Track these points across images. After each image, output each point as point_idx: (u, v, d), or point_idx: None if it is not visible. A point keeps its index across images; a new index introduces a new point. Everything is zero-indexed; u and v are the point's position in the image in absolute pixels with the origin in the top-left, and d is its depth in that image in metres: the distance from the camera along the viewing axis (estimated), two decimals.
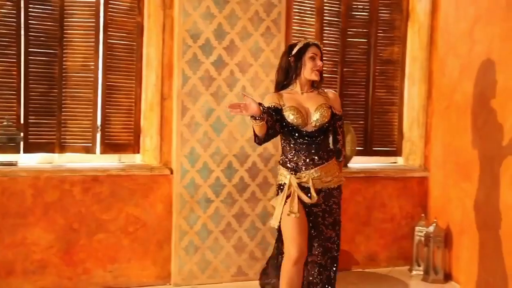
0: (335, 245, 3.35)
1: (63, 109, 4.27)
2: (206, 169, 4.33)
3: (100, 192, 4.18)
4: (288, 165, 3.26)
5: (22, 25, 4.14)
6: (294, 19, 4.77)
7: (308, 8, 4.87)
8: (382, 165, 5.19)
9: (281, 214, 3.20)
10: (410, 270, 4.79)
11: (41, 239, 4.04)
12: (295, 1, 4.75)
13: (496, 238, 3.89)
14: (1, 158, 4.08)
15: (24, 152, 4.20)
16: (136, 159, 4.57)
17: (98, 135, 4.37)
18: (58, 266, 4.09)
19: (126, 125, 4.46)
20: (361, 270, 4.82)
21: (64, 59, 4.26)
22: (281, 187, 3.28)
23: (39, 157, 4.33)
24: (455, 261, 4.52)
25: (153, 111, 4.38)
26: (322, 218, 3.28)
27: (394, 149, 5.23)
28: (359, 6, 5.05)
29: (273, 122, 3.15)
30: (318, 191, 3.23)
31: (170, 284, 4.34)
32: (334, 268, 3.37)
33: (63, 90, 4.26)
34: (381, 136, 5.18)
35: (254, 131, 3.16)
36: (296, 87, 3.33)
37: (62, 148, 4.30)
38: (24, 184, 4.00)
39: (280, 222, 3.22)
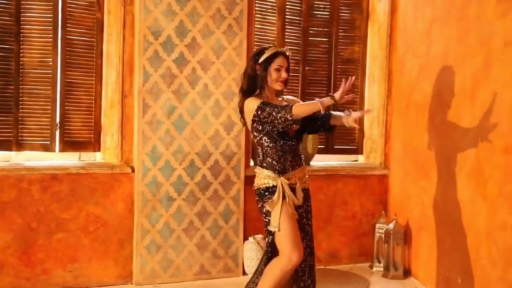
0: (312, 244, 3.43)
1: (20, 106, 4.17)
2: (168, 167, 4.30)
3: (60, 191, 4.10)
4: (275, 167, 3.23)
5: None
6: (256, 17, 4.78)
7: (270, 7, 4.89)
8: (344, 163, 5.25)
9: (279, 217, 3.15)
10: (371, 267, 4.86)
11: None
12: (257, 0, 4.76)
13: (453, 234, 3.98)
14: None
15: None
16: (96, 157, 4.50)
17: (57, 133, 4.27)
18: (15, 267, 3.99)
19: (86, 123, 4.38)
20: (323, 267, 4.86)
21: (21, 55, 4.16)
22: (270, 190, 3.21)
23: None
24: (414, 257, 4.61)
25: (113, 108, 4.33)
26: (306, 219, 3.34)
27: (355, 147, 5.30)
28: (320, 5, 5.09)
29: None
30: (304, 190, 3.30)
31: (131, 284, 4.28)
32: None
33: (20, 86, 4.16)
34: (343, 135, 5.24)
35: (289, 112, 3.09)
36: (266, 92, 3.31)
37: (19, 146, 4.19)
38: None
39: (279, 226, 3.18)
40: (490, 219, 3.60)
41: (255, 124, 3.22)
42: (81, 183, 4.16)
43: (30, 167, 4.07)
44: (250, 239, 4.50)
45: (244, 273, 4.53)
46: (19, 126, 4.17)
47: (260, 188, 3.26)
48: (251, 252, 4.47)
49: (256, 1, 4.75)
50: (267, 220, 3.24)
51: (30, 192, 4.03)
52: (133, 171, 4.26)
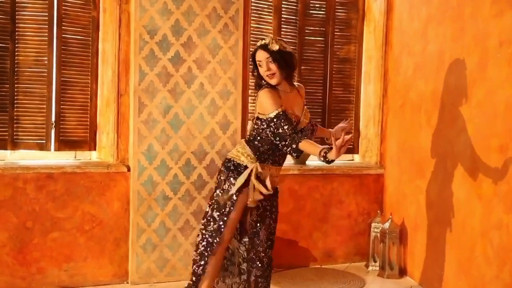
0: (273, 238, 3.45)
1: (15, 105, 4.15)
2: (164, 166, 4.29)
3: (55, 190, 4.09)
4: (258, 152, 3.25)
5: None
6: (252, 16, 4.78)
7: (266, 6, 4.89)
8: (339, 162, 5.24)
9: (236, 194, 3.20)
10: (367, 266, 4.87)
11: None
12: None
13: (449, 234, 3.99)
14: None
15: None
16: (92, 156, 4.49)
17: (53, 132, 4.26)
18: (11, 266, 3.98)
19: (81, 122, 4.37)
20: (318, 266, 4.87)
21: (16, 53, 4.14)
22: (239, 168, 3.23)
23: None
24: (409, 257, 4.61)
25: (109, 107, 4.32)
26: (270, 212, 3.36)
27: (351, 146, 5.30)
28: (316, 5, 5.10)
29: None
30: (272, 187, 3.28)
31: (127, 283, 4.28)
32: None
33: (16, 85, 4.15)
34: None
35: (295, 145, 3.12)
36: (279, 86, 3.26)
37: (14, 144, 4.18)
38: None
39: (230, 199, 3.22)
40: (485, 218, 3.61)
41: (263, 121, 3.20)
42: (77, 182, 4.15)
43: (25, 166, 4.06)
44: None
45: None
46: (14, 125, 4.16)
47: (233, 160, 3.26)
48: None
49: (252, 0, 4.74)
50: (219, 193, 3.25)
51: (25, 191, 4.01)
52: (128, 170, 4.26)
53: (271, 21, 4.91)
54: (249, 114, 4.79)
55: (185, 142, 4.34)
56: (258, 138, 3.27)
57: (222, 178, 3.27)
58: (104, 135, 4.37)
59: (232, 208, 3.21)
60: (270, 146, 3.25)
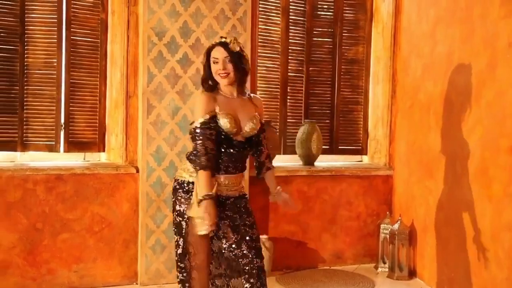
0: (259, 244, 3.09)
1: (25, 107, 4.18)
2: (172, 167, 4.29)
3: (65, 191, 4.10)
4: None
5: None
6: (260, 18, 4.79)
7: (274, 7, 4.89)
8: (348, 163, 5.24)
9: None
10: (376, 267, 4.85)
11: (3, 239, 3.95)
12: (261, 0, 4.77)
13: (459, 235, 3.97)
14: None
15: None
16: (101, 157, 4.51)
17: (62, 133, 4.29)
18: (21, 267, 4.00)
19: (90, 123, 4.39)
20: (327, 267, 4.86)
21: (26, 55, 4.17)
22: (183, 185, 3.01)
23: (1, 155, 4.22)
24: (419, 258, 4.59)
25: (118, 109, 4.33)
26: (240, 219, 3.03)
27: (360, 147, 5.30)
28: (324, 6, 5.10)
29: (215, 137, 2.93)
30: (225, 197, 2.99)
31: (137, 284, 4.29)
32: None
33: (25, 87, 4.17)
34: (347, 135, 5.24)
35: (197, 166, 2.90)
36: (224, 89, 3.03)
37: (24, 146, 4.21)
38: None
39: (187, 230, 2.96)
40: (496, 220, 3.58)
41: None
42: (86, 183, 4.16)
43: (35, 168, 4.08)
44: None
45: None
46: (24, 126, 4.18)
47: (177, 179, 3.05)
48: None
49: (260, 2, 4.75)
50: (177, 221, 3.01)
51: (35, 192, 4.03)
52: (137, 171, 4.27)
53: (279, 22, 4.91)
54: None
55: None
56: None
57: (172, 201, 3.07)
58: (113, 136, 4.38)
59: (185, 228, 2.97)
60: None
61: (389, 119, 5.06)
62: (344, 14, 5.14)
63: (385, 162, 5.10)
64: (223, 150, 2.96)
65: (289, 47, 4.97)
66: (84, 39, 4.35)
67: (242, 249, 2.98)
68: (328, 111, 5.16)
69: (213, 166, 2.90)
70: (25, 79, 4.17)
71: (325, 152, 5.10)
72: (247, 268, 2.97)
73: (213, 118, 2.93)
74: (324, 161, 5.11)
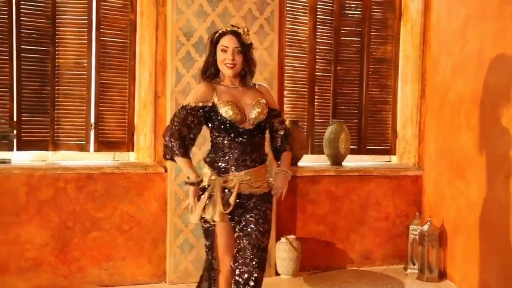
0: (267, 255, 2.98)
1: (56, 107, 4.25)
2: (200, 167, 4.29)
3: (95, 190, 4.15)
4: (216, 164, 2.88)
5: (14, 22, 4.12)
6: (287, 17, 4.78)
7: (301, 7, 4.88)
8: (376, 163, 5.20)
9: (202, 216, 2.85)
10: (405, 269, 4.79)
11: (36, 237, 4.01)
12: (288, 0, 4.75)
13: (491, 236, 3.90)
14: None
15: (18, 149, 4.18)
16: (130, 157, 4.55)
17: (92, 133, 4.35)
18: (52, 264, 4.06)
19: (119, 123, 4.44)
20: (356, 268, 4.82)
21: (57, 56, 4.24)
22: (204, 189, 2.88)
23: (33, 155, 4.29)
24: (449, 260, 4.52)
25: (146, 108, 4.37)
26: (255, 225, 2.89)
27: (388, 147, 5.25)
28: (352, 5, 5.07)
29: (194, 126, 2.86)
30: (248, 196, 2.89)
31: (165, 282, 4.31)
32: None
33: (56, 87, 4.24)
34: (375, 135, 5.20)
35: (170, 153, 2.88)
36: (226, 80, 2.94)
37: (55, 146, 4.27)
38: (17, 182, 3.97)
39: (206, 226, 2.91)
40: None
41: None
42: (115, 182, 4.21)
43: (66, 167, 4.14)
44: (283, 239, 4.49)
45: (276, 273, 4.52)
46: (55, 126, 4.25)
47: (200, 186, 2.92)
48: (283, 252, 4.46)
49: (288, 1, 4.75)
50: (205, 227, 2.93)
51: (66, 191, 4.09)
52: (166, 171, 4.29)
53: (306, 21, 4.90)
54: (285, 115, 4.79)
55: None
56: (213, 141, 2.95)
57: None
58: (142, 136, 4.42)
59: (211, 235, 2.91)
60: (225, 142, 2.87)
61: (418, 119, 5.01)
62: (372, 13, 5.11)
63: (414, 162, 5.04)
64: (231, 140, 2.84)
65: (317, 47, 4.95)
66: (114, 39, 4.40)
67: (246, 255, 2.86)
68: (356, 111, 5.13)
69: (186, 152, 2.85)
70: (56, 79, 4.24)
71: (353, 152, 5.06)
72: (245, 276, 2.84)
73: (204, 108, 2.83)
74: (352, 161, 5.07)
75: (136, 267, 4.27)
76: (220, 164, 2.87)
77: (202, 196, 2.86)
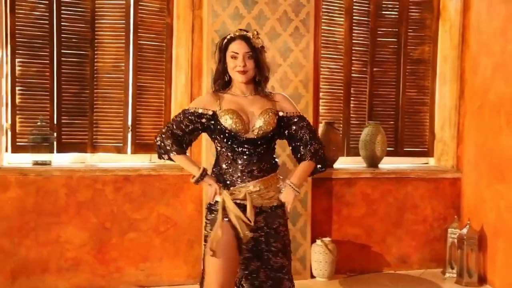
0: (288, 276, 2.74)
1: (94, 110, 4.33)
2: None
3: (132, 192, 4.22)
4: (222, 178, 2.69)
5: (55, 27, 4.22)
6: (323, 19, 4.75)
7: (337, 8, 4.85)
8: (413, 165, 5.12)
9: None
10: (444, 273, 4.71)
11: (75, 238, 4.11)
12: (324, 1, 4.73)
13: None
14: (36, 158, 4.15)
15: (58, 152, 4.28)
16: None
17: (129, 135, 4.41)
18: (91, 264, 4.14)
19: (156, 125, 4.49)
20: (392, 272, 4.76)
21: (96, 60, 4.32)
22: (211, 207, 2.70)
23: (72, 156, 4.39)
24: (490, 264, 4.42)
25: None
26: (266, 244, 2.68)
27: (426, 149, 5.16)
28: (388, 5, 5.01)
29: (189, 131, 2.72)
30: (258, 212, 2.66)
31: None
32: None
33: (95, 90, 4.33)
34: (412, 137, 5.13)
35: (165, 152, 2.73)
36: (236, 88, 2.76)
37: (94, 148, 4.36)
38: (58, 184, 4.07)
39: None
40: None
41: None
42: (152, 184, 4.26)
43: (104, 169, 4.22)
44: (318, 241, 4.47)
45: (312, 276, 4.50)
46: (94, 128, 4.34)
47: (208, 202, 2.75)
48: (318, 255, 4.43)
49: (323, 3, 4.72)
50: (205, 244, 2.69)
51: (104, 192, 4.17)
52: None
53: (342, 23, 4.86)
54: (321, 117, 4.77)
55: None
56: (217, 153, 2.76)
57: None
58: None
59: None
60: (228, 152, 2.69)
61: (456, 120, 4.91)
62: (409, 13, 5.04)
63: (452, 165, 4.94)
64: (233, 151, 2.66)
65: (353, 48, 4.91)
66: (150, 43, 4.46)
67: (260, 278, 2.68)
68: (392, 112, 5.06)
69: (182, 149, 2.72)
70: (95, 83, 4.32)
71: (389, 154, 5.00)
72: None
73: (203, 115, 2.69)
74: (388, 163, 5.01)
75: (172, 268, 4.31)
76: (225, 176, 2.69)
77: (215, 219, 2.63)
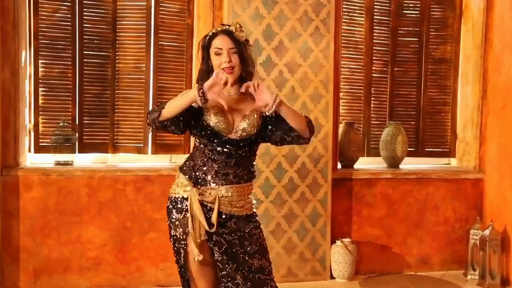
0: (271, 276, 2.63)
1: (116, 110, 4.37)
2: (256, 169, 4.32)
3: (152, 192, 4.24)
4: (194, 174, 2.55)
5: (77, 29, 4.27)
6: (344, 18, 4.73)
7: (358, 8, 4.82)
8: (435, 166, 5.07)
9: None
10: (465, 275, 4.65)
11: (96, 237, 4.15)
12: (345, 1, 4.71)
13: None
14: (58, 158, 4.20)
15: (79, 152, 4.32)
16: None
17: (150, 136, 4.44)
18: (112, 264, 4.18)
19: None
20: (413, 273, 4.72)
21: (117, 61, 4.35)
22: (177, 202, 2.58)
23: (93, 157, 4.43)
24: None
25: None
26: (240, 246, 2.55)
27: (447, 150, 5.11)
28: (410, 4, 4.97)
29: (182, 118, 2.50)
30: (228, 216, 2.55)
31: None
32: None
33: (116, 91, 4.36)
34: (433, 137, 5.08)
35: (158, 110, 2.49)
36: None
37: (115, 148, 4.40)
38: (79, 184, 4.11)
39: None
40: None
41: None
42: (172, 184, 4.26)
43: (124, 169, 4.25)
44: (338, 242, 4.45)
45: (331, 276, 4.49)
46: (115, 129, 4.37)
47: (170, 197, 2.62)
48: (338, 256, 4.42)
49: (344, 2, 4.69)
50: (176, 247, 2.62)
51: (125, 192, 4.20)
52: None
53: (362, 22, 4.84)
54: (341, 117, 4.75)
55: (276, 146, 4.35)
56: (194, 149, 2.63)
57: (168, 224, 2.66)
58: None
59: (184, 256, 2.59)
60: (206, 150, 2.55)
61: (479, 120, 4.85)
62: (431, 12, 4.99)
63: (474, 165, 4.89)
64: (212, 149, 2.52)
65: (373, 48, 4.88)
66: (171, 44, 4.48)
67: (237, 280, 2.54)
68: (413, 113, 5.02)
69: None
70: (116, 83, 4.36)
71: (410, 154, 4.96)
72: None
73: (192, 106, 2.48)
74: (409, 164, 4.97)
75: None
76: (198, 173, 2.55)
77: (184, 216, 2.55)
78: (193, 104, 2.48)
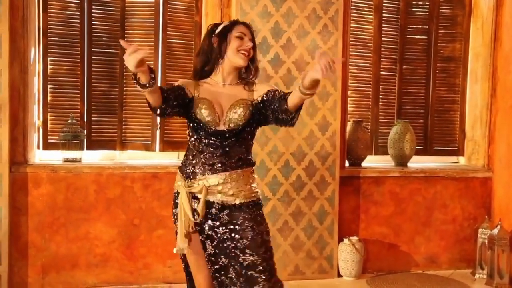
0: (264, 274, 2.53)
1: (124, 107, 4.37)
2: (263, 167, 4.33)
3: (160, 189, 4.25)
4: (186, 169, 2.62)
5: (86, 26, 4.28)
6: (352, 16, 4.72)
7: (366, 5, 4.81)
8: (443, 164, 5.05)
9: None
10: (473, 274, 4.64)
11: (104, 234, 4.16)
12: None
13: None
14: (66, 155, 4.21)
15: (87, 149, 4.34)
16: None
17: (158, 133, 4.45)
18: (119, 260, 4.19)
19: (184, 123, 4.42)
20: (421, 272, 4.71)
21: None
22: (175, 198, 2.68)
23: (101, 154, 4.44)
24: None
25: None
26: (231, 241, 2.53)
27: (456, 148, 5.09)
28: (419, 2, 4.95)
29: (176, 102, 2.51)
30: (221, 207, 2.56)
31: None
32: None
33: (124, 88, 4.37)
34: (442, 135, 5.06)
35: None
36: (217, 76, 2.66)
37: (123, 145, 4.41)
38: (87, 180, 4.13)
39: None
40: None
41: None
42: None
43: (132, 166, 4.26)
44: (345, 240, 4.44)
45: (339, 275, 4.48)
46: (123, 126, 4.38)
47: (174, 192, 2.70)
48: (346, 254, 4.41)
49: (352, 0, 4.68)
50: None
51: (133, 189, 4.21)
52: None
53: (371, 20, 4.82)
54: (349, 115, 4.74)
55: (284, 143, 4.36)
56: (188, 143, 2.69)
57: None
58: None
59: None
60: (196, 143, 2.61)
61: (488, 119, 4.83)
62: (440, 10, 4.96)
63: (483, 164, 4.86)
64: (199, 141, 2.58)
65: (382, 46, 4.87)
66: (179, 41, 4.48)
67: (230, 275, 2.57)
68: (422, 111, 5.00)
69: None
70: (124, 81, 4.36)
71: (418, 152, 4.94)
72: None
73: (186, 95, 2.55)
74: (417, 162, 4.95)
75: None
76: (188, 168, 2.60)
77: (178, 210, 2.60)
78: (187, 92, 2.57)
